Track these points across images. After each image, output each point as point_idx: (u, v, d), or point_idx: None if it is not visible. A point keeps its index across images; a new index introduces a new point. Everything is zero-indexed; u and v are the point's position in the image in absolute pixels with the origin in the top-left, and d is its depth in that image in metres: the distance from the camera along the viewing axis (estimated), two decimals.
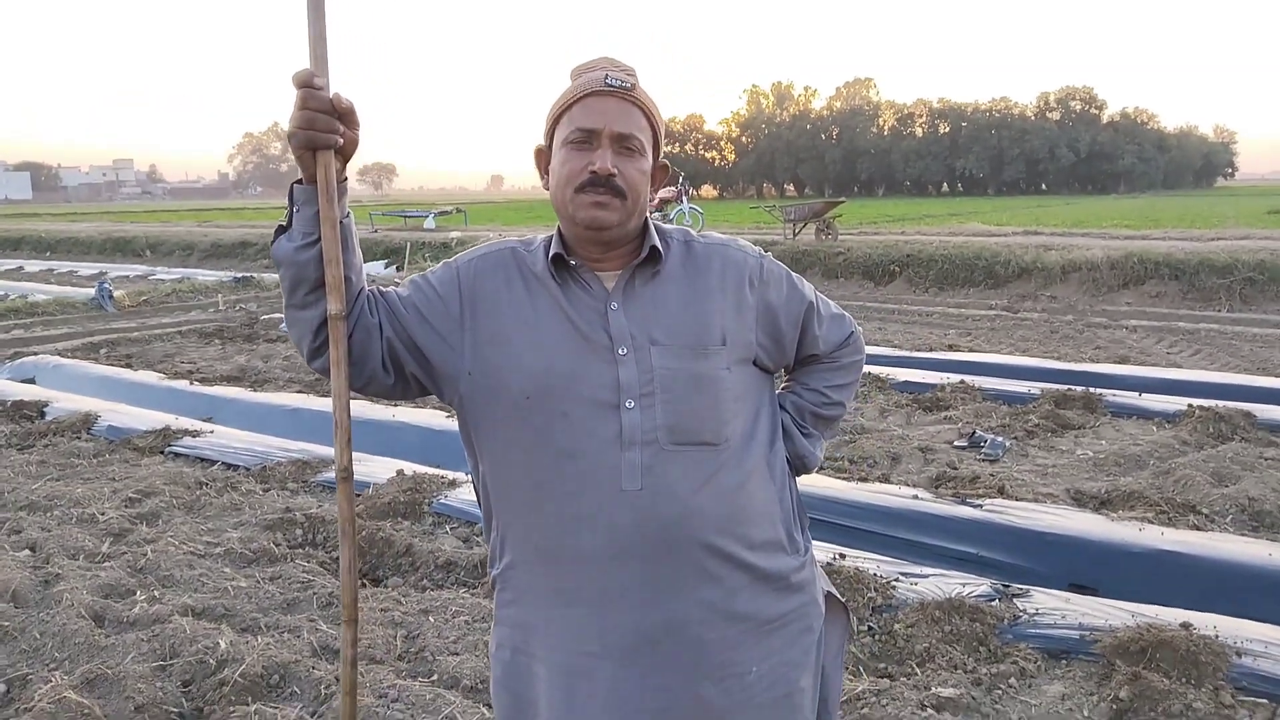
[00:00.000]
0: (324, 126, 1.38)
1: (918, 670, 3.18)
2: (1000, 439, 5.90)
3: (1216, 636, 3.08)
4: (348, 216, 1.47)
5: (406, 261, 19.04)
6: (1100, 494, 4.84)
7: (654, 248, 1.51)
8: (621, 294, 1.50)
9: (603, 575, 1.44)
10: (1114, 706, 2.88)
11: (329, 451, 5.67)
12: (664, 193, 20.25)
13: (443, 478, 5.03)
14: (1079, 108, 74.48)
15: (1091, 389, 6.87)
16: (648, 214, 1.56)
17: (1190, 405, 6.32)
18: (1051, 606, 3.44)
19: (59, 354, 9.68)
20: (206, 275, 18.51)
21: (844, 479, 5.06)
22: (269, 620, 3.62)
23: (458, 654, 3.33)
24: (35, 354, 9.58)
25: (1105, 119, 74.22)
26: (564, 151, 1.48)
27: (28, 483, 5.32)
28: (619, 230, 1.48)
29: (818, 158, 79.89)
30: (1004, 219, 26.35)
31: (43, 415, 6.90)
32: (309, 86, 1.37)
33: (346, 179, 1.48)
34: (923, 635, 3.33)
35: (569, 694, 1.46)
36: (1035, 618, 3.38)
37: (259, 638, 3.43)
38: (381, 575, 4.16)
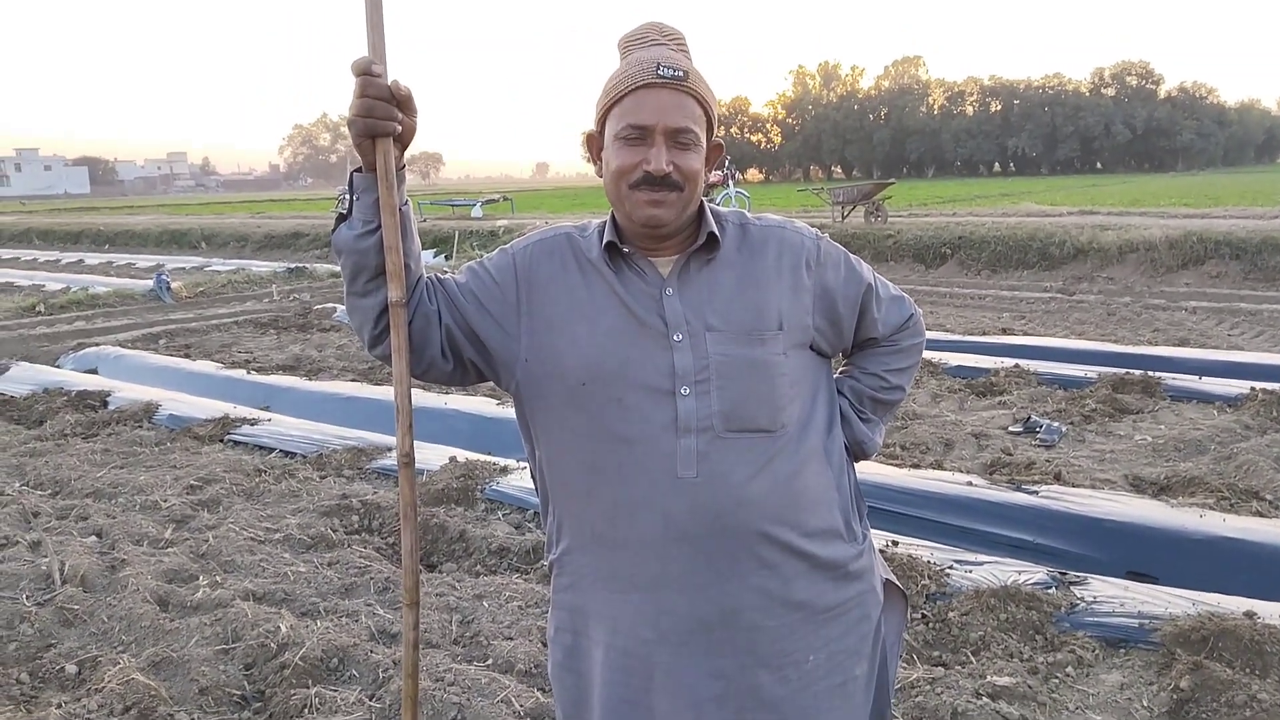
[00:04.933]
0: (383, 114, 1.38)
1: (973, 658, 3.16)
2: (1056, 424, 5.81)
3: None
4: (406, 204, 1.47)
5: (455, 250, 19.18)
6: (1159, 480, 4.75)
7: (711, 233, 1.50)
8: (677, 279, 1.49)
9: (658, 561, 1.45)
10: (1174, 696, 2.83)
11: (383, 439, 5.75)
12: (710, 177, 20.17)
13: (494, 464, 5.08)
14: (1135, 83, 72.80)
15: (1150, 372, 6.71)
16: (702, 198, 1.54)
17: (1253, 388, 6.16)
18: (1109, 594, 3.39)
19: (120, 345, 9.91)
20: (260, 266, 18.77)
21: (896, 465, 5.01)
22: (328, 605, 3.69)
23: (512, 639, 3.37)
24: (97, 345, 9.82)
25: (1162, 94, 72.50)
26: (617, 145, 1.46)
27: (93, 470, 5.47)
28: (676, 224, 1.48)
29: (865, 139, 79.04)
30: (1058, 199, 25.87)
31: (105, 405, 7.08)
32: (368, 74, 1.38)
33: (405, 166, 1.48)
34: (978, 623, 3.30)
35: (626, 678, 1.47)
36: (1093, 606, 3.33)
37: (318, 622, 3.50)
38: (436, 561, 4.22)
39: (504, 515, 4.63)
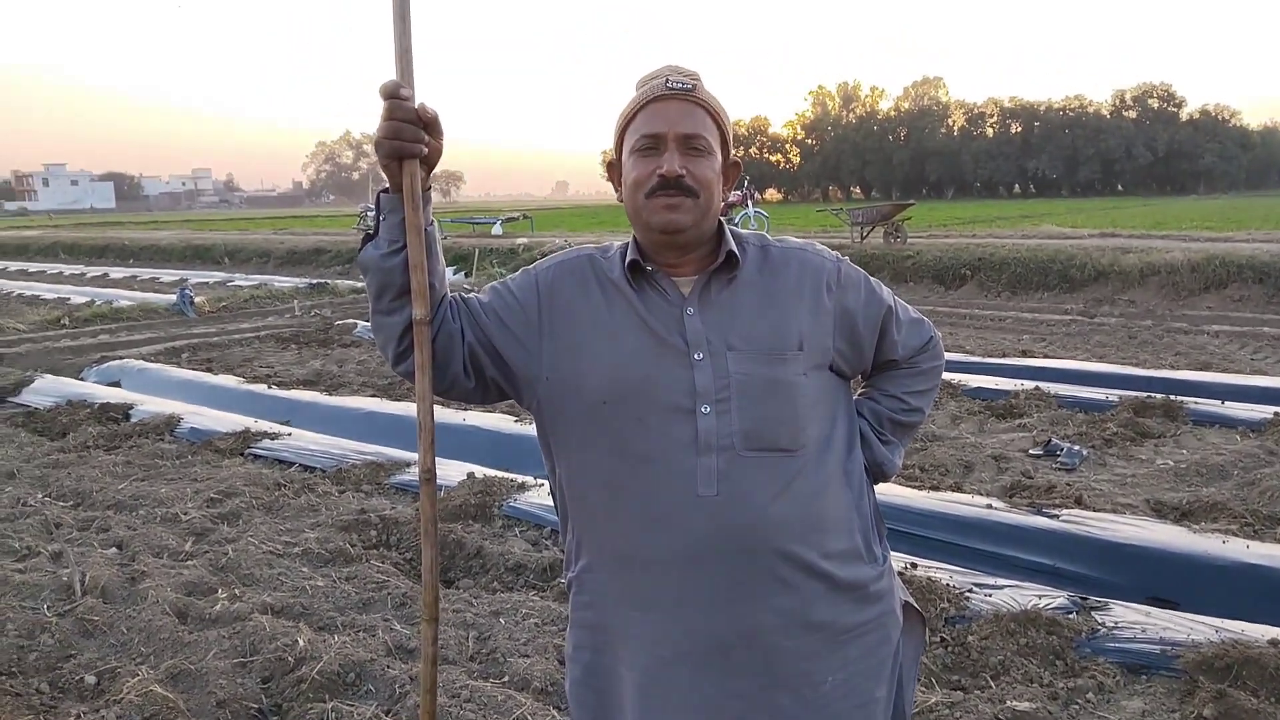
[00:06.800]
0: (410, 136, 1.41)
1: (992, 683, 3.13)
2: (1077, 447, 5.77)
3: None
4: (431, 224, 1.50)
5: (475, 268, 19.28)
6: (1182, 505, 4.70)
7: (731, 252, 1.51)
8: (698, 299, 1.50)
9: (678, 580, 1.45)
10: None
11: (402, 454, 5.78)
12: (729, 196, 20.19)
13: (512, 481, 5.09)
14: (1156, 105, 72.43)
15: (1172, 396, 6.67)
16: (720, 217, 1.56)
17: (1276, 413, 6.11)
18: (1131, 620, 3.36)
19: (143, 358, 10.00)
20: (282, 281, 18.97)
21: (915, 488, 4.98)
22: (345, 619, 3.70)
23: (528, 656, 3.37)
24: (120, 358, 9.92)
25: (1184, 117, 72.04)
26: (632, 159, 1.49)
27: (115, 483, 5.51)
28: (694, 232, 1.49)
29: (885, 159, 78.92)
30: (1079, 221, 25.75)
31: (128, 417, 7.14)
32: (396, 97, 1.41)
33: (431, 187, 1.51)
34: (997, 647, 3.27)
35: (647, 697, 1.48)
36: (1114, 631, 3.30)
37: (336, 636, 3.50)
38: (453, 577, 4.22)
39: (521, 532, 4.63)
